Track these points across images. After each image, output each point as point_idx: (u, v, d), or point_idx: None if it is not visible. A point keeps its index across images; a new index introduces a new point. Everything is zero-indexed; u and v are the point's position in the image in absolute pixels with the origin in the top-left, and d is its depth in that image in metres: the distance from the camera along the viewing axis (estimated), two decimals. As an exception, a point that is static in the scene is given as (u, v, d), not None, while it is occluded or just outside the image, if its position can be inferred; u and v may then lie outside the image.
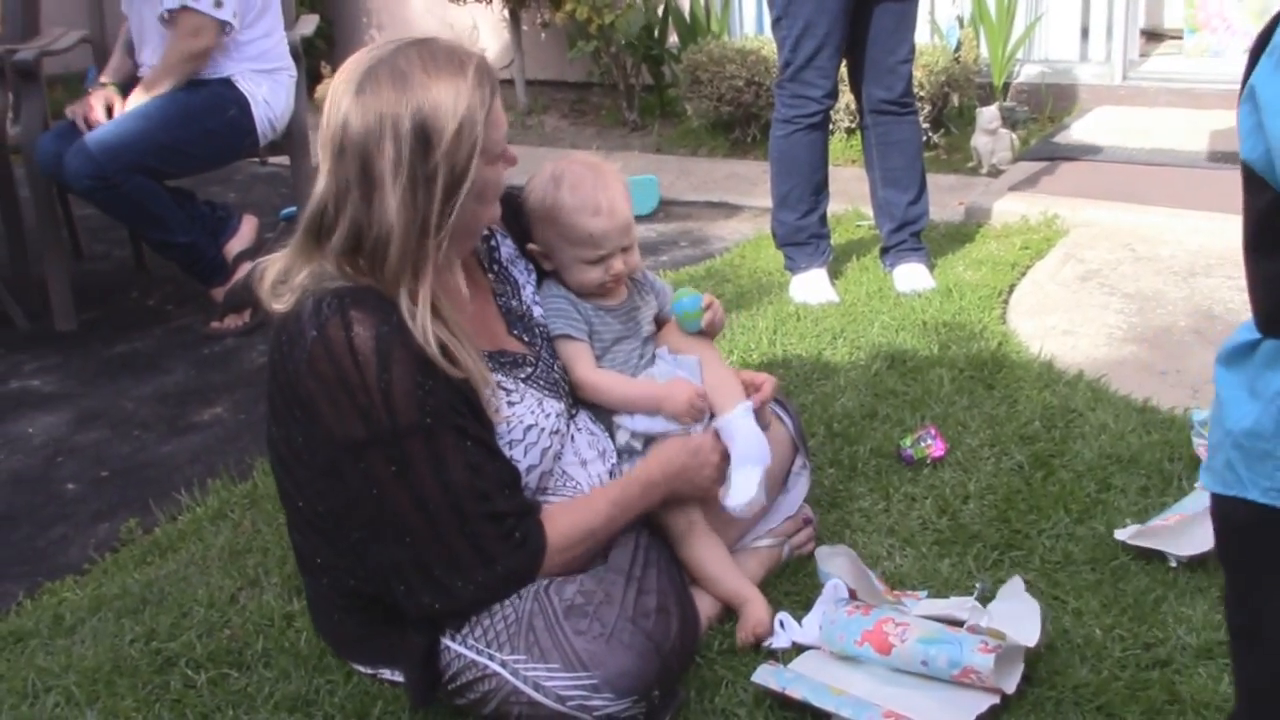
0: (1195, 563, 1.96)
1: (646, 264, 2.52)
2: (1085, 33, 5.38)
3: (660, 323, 2.04)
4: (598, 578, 1.69)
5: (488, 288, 1.89)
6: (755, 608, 1.87)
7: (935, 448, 2.37)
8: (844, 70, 3.35)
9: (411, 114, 1.55)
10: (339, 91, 1.60)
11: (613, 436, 1.92)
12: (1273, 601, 1.15)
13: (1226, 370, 1.14)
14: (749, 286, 3.50)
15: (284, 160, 3.82)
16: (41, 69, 3.59)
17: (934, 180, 3.80)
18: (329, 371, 1.57)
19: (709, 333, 2.04)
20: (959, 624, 1.77)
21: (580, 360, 1.91)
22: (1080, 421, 2.50)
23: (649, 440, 1.91)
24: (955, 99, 5.00)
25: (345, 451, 1.60)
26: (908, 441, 2.41)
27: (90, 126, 3.32)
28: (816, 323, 3.16)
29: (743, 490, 1.86)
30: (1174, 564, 1.97)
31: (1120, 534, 2.05)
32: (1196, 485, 2.20)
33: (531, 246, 1.95)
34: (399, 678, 1.75)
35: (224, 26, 3.37)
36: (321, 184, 1.62)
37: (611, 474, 1.88)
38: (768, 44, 5.01)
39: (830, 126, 3.57)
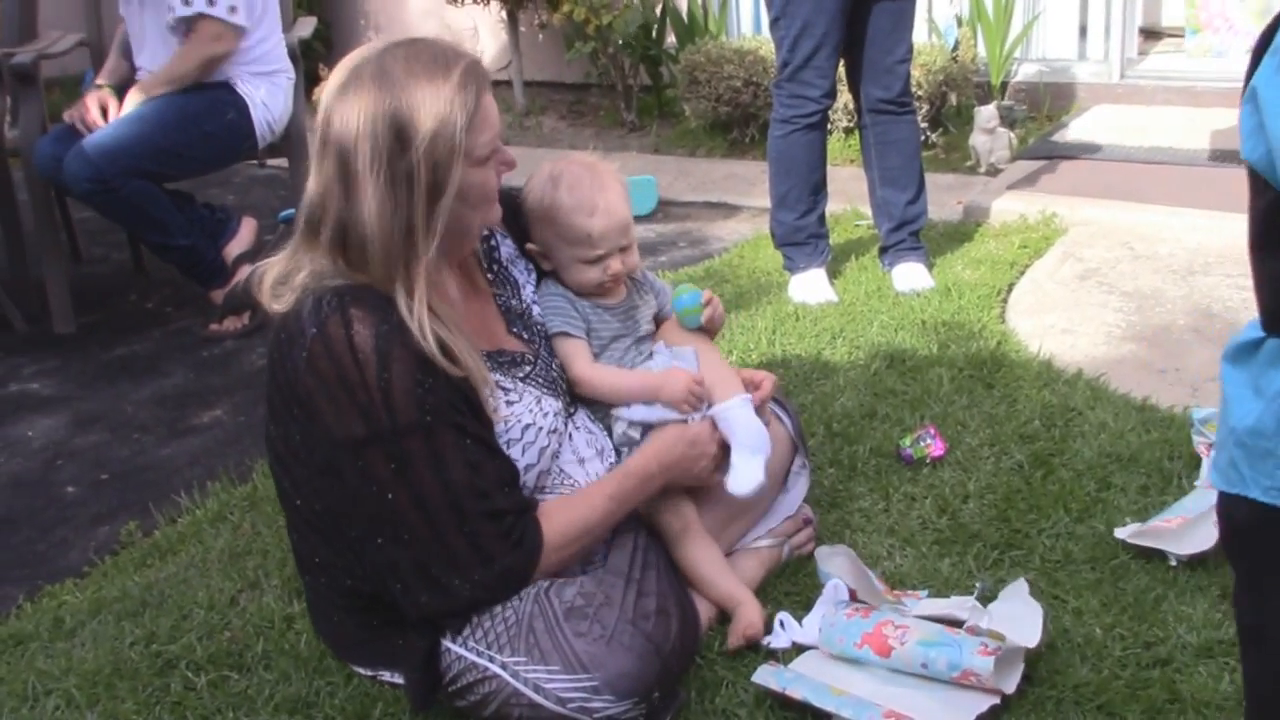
0: (1195, 561, 1.96)
1: (645, 264, 2.51)
2: (1083, 31, 5.38)
3: (659, 322, 2.04)
4: (597, 580, 1.69)
5: (487, 287, 1.89)
6: (748, 610, 1.87)
7: (935, 447, 2.37)
8: (842, 70, 3.35)
9: (389, 112, 1.56)
10: (327, 90, 1.62)
11: (611, 434, 1.92)
12: (1273, 601, 1.15)
13: (1232, 368, 1.14)
14: (748, 287, 3.50)
15: (282, 163, 3.83)
16: (39, 72, 3.58)
17: (932, 179, 3.79)
18: (328, 369, 1.57)
19: (709, 329, 2.04)
20: (959, 624, 1.77)
21: (577, 357, 1.90)
22: (1080, 420, 2.50)
23: (647, 429, 1.90)
24: (953, 98, 5.00)
25: (344, 450, 1.60)
26: (907, 441, 2.41)
27: (89, 129, 3.32)
28: (815, 322, 3.16)
29: (748, 478, 1.86)
30: (1174, 563, 1.97)
31: (1120, 533, 2.05)
32: (1197, 484, 2.20)
33: (530, 246, 1.95)
34: (399, 680, 1.75)
35: (240, 32, 3.38)
36: (311, 182, 1.63)
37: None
38: (766, 44, 5.01)
39: (828, 126, 3.57)
